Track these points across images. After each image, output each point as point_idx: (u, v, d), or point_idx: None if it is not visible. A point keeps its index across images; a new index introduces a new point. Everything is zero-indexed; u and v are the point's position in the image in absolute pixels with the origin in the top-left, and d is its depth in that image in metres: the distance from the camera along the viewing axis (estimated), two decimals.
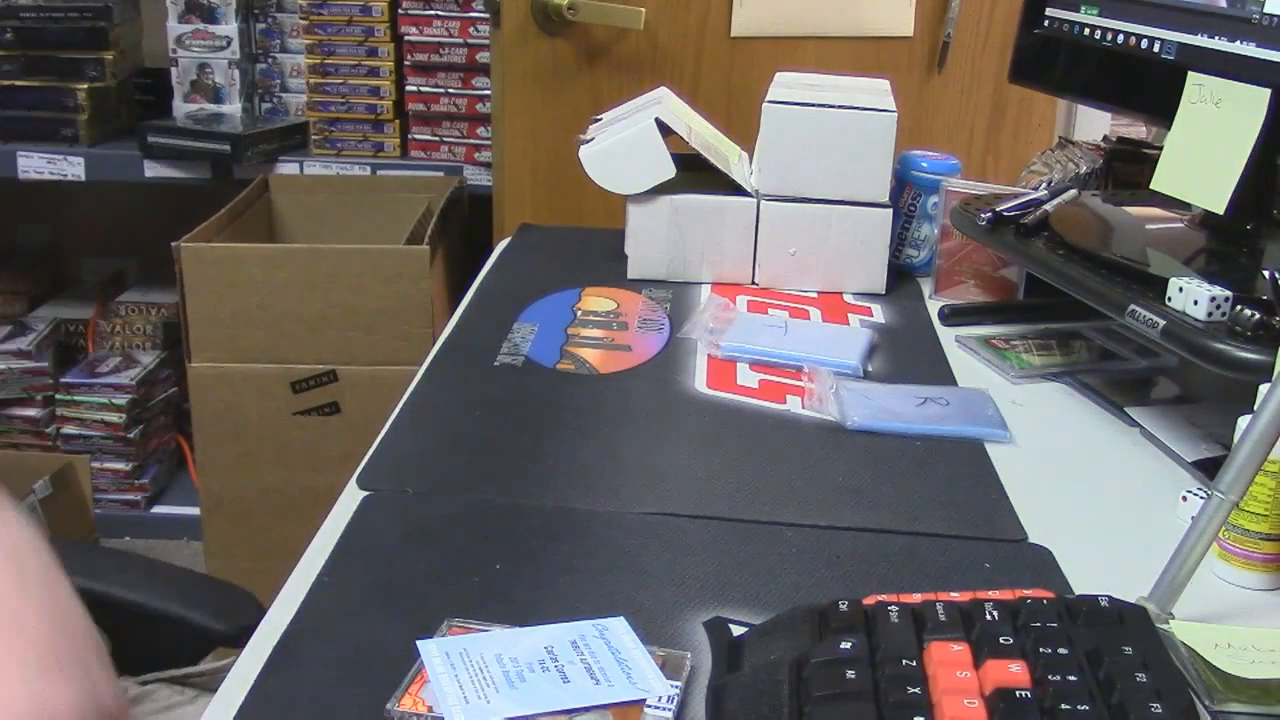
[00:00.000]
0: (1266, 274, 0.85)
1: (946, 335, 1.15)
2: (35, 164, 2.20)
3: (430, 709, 0.60)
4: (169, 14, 2.25)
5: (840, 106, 1.21)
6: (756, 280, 1.26)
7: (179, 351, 2.03)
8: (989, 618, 0.58)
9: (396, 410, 0.96)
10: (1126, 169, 1.33)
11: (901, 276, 1.29)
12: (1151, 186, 0.98)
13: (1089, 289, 0.95)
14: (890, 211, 1.23)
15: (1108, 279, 0.94)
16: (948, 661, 0.55)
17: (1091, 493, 0.87)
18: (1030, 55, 1.20)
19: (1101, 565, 0.76)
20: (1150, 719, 0.52)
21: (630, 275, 1.26)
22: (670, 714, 0.60)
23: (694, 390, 1.01)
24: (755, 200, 1.24)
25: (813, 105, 1.21)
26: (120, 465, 2.40)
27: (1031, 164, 1.41)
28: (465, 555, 0.75)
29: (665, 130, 1.23)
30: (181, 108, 2.29)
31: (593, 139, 1.26)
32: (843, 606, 0.60)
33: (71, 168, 2.21)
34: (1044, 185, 1.29)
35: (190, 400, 1.89)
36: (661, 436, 0.93)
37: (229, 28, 2.26)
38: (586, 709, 0.60)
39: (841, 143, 1.20)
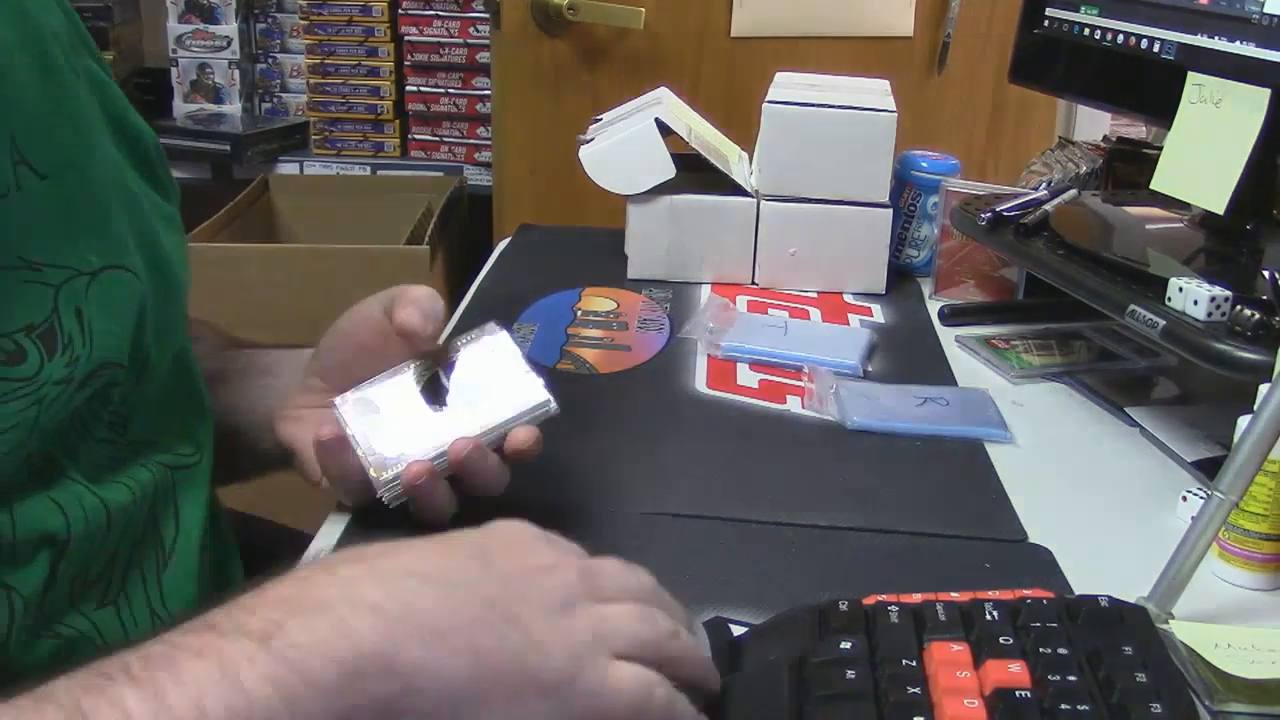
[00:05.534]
0: (1266, 274, 0.85)
1: (946, 335, 1.15)
2: None
3: None
4: (169, 14, 2.25)
5: (840, 106, 1.21)
6: (756, 280, 1.26)
7: None
8: (989, 618, 0.58)
9: None
10: (1126, 169, 1.33)
11: (901, 276, 1.29)
12: (1151, 186, 0.98)
13: (1089, 289, 0.95)
14: (890, 211, 1.23)
15: (1108, 279, 0.94)
16: (948, 661, 0.55)
17: (1091, 493, 0.87)
18: (1030, 55, 1.20)
19: (1101, 565, 0.76)
20: (1150, 719, 0.52)
21: (630, 275, 1.26)
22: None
23: (694, 390, 1.01)
24: (755, 200, 1.24)
25: (813, 105, 1.21)
26: None
27: (1031, 164, 1.41)
28: None
29: (665, 130, 1.23)
30: (181, 108, 2.29)
31: (593, 139, 1.26)
32: (843, 606, 0.60)
33: None
34: (1044, 185, 1.29)
35: None
36: (661, 436, 0.93)
37: (229, 28, 2.26)
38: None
39: (841, 143, 1.20)
